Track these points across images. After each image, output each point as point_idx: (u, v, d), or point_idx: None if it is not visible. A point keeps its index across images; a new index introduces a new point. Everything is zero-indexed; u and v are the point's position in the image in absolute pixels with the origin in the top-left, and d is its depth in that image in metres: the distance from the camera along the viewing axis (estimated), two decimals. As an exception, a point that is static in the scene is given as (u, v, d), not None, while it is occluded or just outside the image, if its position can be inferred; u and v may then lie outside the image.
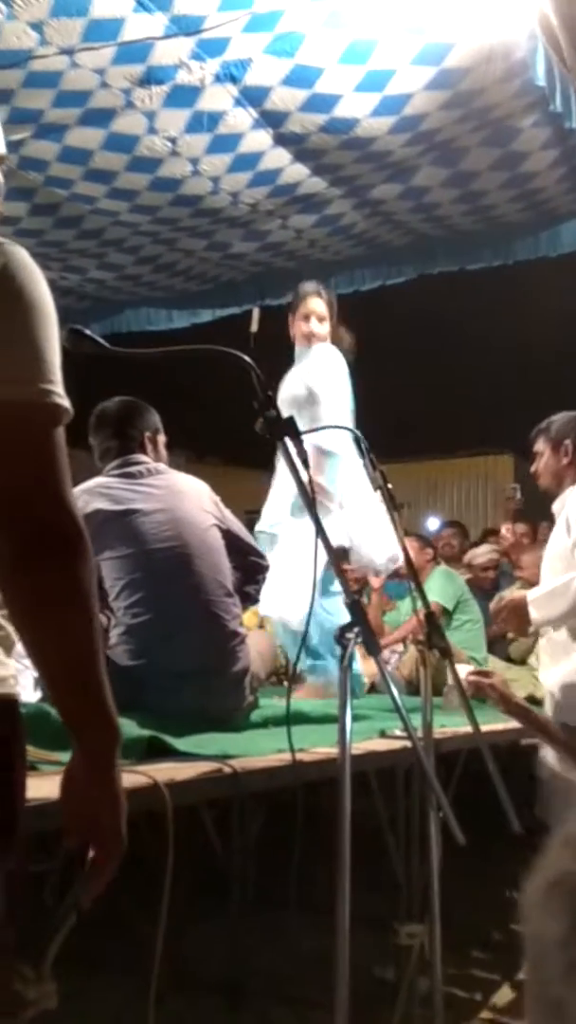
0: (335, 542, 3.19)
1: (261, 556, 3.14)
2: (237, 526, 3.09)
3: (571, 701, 2.84)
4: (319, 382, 3.85)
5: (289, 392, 3.90)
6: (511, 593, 3.81)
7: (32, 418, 1.10)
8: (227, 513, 3.07)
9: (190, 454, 10.93)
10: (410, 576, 2.51)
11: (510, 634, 4.64)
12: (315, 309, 4.07)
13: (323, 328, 4.05)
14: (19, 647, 2.58)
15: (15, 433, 1.08)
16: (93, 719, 1.17)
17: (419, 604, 2.35)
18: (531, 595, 2.98)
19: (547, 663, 3.04)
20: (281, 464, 3.84)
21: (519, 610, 2.96)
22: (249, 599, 3.15)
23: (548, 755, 2.87)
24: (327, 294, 4.18)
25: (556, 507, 3.15)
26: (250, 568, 3.05)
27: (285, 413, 1.77)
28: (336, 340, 4.07)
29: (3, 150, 1.36)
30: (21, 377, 1.09)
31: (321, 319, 4.06)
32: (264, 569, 3.15)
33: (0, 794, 1.12)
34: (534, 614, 2.93)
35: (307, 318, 4.06)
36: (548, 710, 2.89)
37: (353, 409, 3.98)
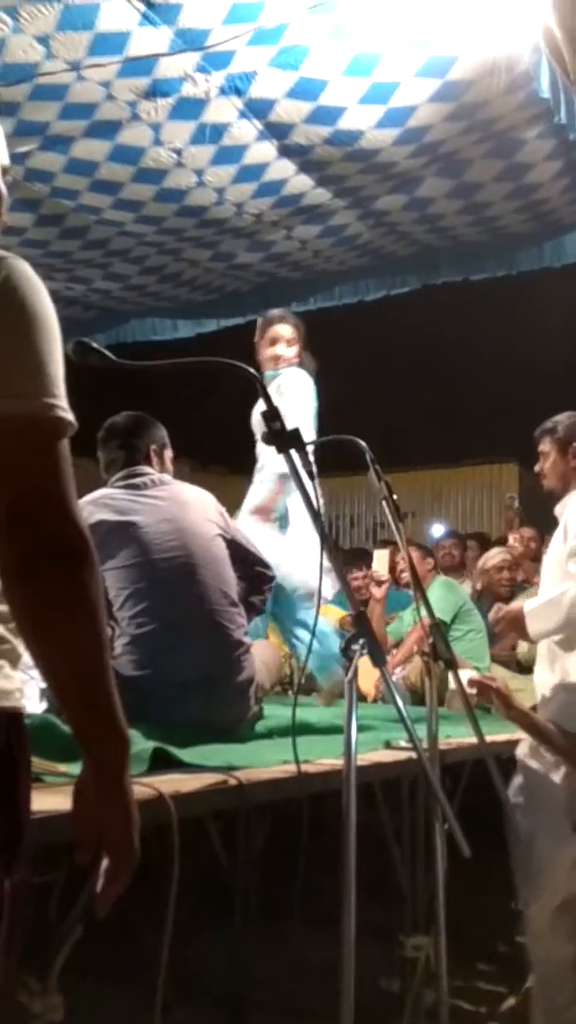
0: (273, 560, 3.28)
1: (267, 566, 3.15)
2: (242, 536, 3.09)
3: (562, 703, 2.85)
4: (289, 404, 3.90)
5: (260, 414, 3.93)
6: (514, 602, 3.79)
7: (36, 432, 1.10)
8: (232, 523, 3.07)
9: (195, 463, 10.96)
10: (414, 586, 2.51)
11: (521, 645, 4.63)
12: (282, 333, 4.17)
13: (290, 351, 4.14)
14: (25, 658, 2.59)
15: (20, 446, 1.09)
16: (103, 731, 1.17)
17: (423, 614, 2.35)
18: (528, 606, 2.98)
19: (544, 668, 3.04)
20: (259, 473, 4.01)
21: (516, 621, 2.96)
22: (254, 609, 3.15)
23: (528, 760, 2.87)
24: (293, 319, 4.28)
25: (558, 510, 3.15)
26: (255, 578, 3.05)
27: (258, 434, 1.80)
28: (303, 364, 4.12)
29: (6, 161, 1.37)
30: (24, 391, 1.10)
31: (289, 343, 4.15)
32: (270, 579, 3.15)
33: (5, 807, 1.12)
34: (531, 626, 2.94)
35: (274, 342, 4.16)
36: (540, 711, 2.89)
37: (316, 428, 4.06)
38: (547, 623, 2.91)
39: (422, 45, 3.57)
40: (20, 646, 1.20)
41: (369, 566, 5.36)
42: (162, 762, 2.03)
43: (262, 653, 3.02)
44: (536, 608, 2.94)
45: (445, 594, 4.89)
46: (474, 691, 2.75)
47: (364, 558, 5.85)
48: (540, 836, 2.83)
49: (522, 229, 5.03)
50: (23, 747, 1.17)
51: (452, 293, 5.87)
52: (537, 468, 3.22)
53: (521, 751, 2.90)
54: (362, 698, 4.22)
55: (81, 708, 1.17)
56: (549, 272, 5.25)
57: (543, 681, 2.96)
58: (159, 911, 1.70)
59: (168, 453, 2.94)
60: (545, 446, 3.18)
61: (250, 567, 3.00)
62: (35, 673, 2.47)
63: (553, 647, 2.98)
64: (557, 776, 2.79)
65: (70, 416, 1.13)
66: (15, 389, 1.09)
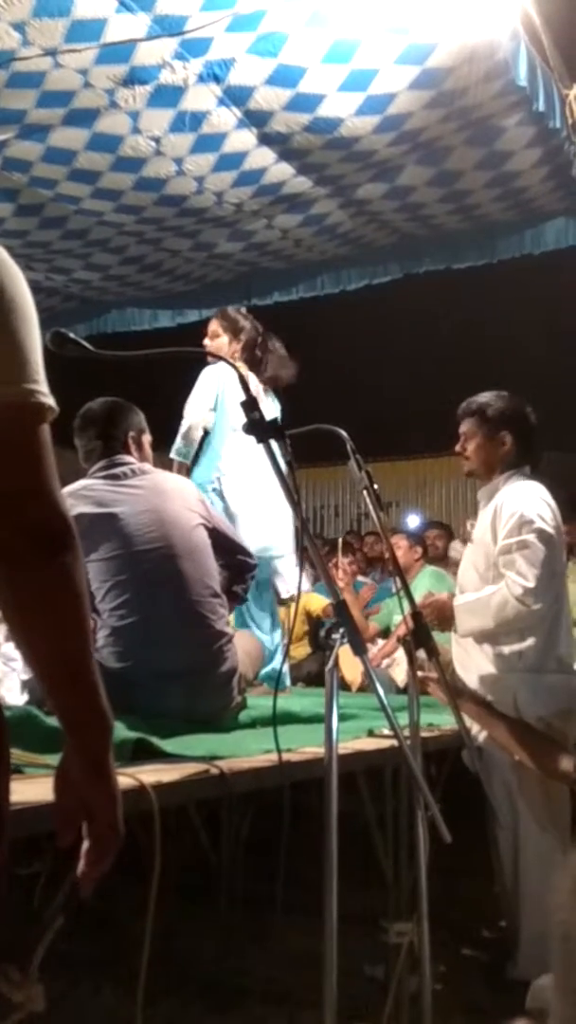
0: None
1: (249, 555, 3.14)
2: (224, 525, 3.09)
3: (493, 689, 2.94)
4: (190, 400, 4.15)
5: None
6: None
7: (18, 418, 1.10)
8: (214, 512, 3.06)
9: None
10: (396, 574, 2.51)
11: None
12: (209, 328, 4.36)
13: (212, 344, 4.24)
14: (5, 649, 2.57)
15: (1, 434, 1.09)
16: (88, 714, 1.17)
17: (407, 604, 2.36)
18: (458, 600, 3.01)
19: (461, 655, 3.09)
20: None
21: (444, 611, 3.01)
22: (237, 598, 3.15)
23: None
24: (222, 313, 4.40)
25: (483, 495, 3.14)
26: (238, 567, 3.05)
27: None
28: (239, 358, 4.19)
29: None
30: (4, 377, 1.09)
31: (211, 336, 4.29)
32: (252, 568, 3.15)
33: None
34: (462, 622, 2.98)
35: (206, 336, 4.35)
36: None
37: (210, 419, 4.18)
38: (472, 623, 2.95)
39: (401, 32, 3.56)
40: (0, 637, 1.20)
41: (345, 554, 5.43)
42: (144, 753, 2.03)
43: (245, 644, 3.03)
44: (464, 605, 2.97)
45: (434, 584, 4.89)
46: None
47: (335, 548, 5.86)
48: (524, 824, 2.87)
49: (503, 217, 5.03)
50: (2, 739, 1.16)
51: (436, 282, 5.87)
52: (459, 448, 3.16)
53: (480, 738, 2.94)
54: (346, 687, 4.23)
55: (66, 692, 1.17)
56: (531, 260, 5.26)
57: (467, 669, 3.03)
58: (142, 900, 1.70)
59: (147, 438, 2.91)
60: (469, 426, 3.12)
61: (232, 556, 3.00)
62: (16, 665, 2.48)
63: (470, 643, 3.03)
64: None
65: (51, 401, 1.13)
66: None
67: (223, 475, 4.05)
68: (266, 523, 3.99)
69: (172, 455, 4.19)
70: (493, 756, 2.91)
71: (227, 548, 2.96)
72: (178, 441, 4.20)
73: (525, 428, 3.11)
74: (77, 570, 1.13)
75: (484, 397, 3.15)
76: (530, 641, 2.93)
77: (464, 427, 3.15)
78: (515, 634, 2.93)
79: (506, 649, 2.95)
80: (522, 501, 2.95)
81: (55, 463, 1.13)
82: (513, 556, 2.87)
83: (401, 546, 5.29)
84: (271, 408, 4.42)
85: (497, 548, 2.93)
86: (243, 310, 4.54)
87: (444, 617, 3.01)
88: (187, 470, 4.21)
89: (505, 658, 2.95)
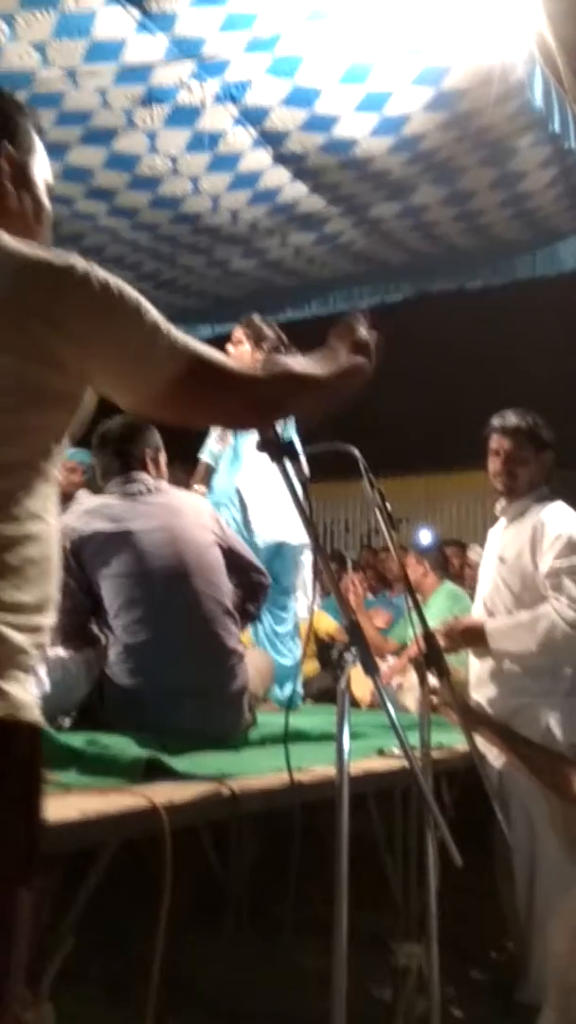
0: None
1: (263, 573, 3.14)
2: (238, 543, 3.08)
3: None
4: None
5: None
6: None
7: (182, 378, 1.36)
8: (228, 530, 3.07)
9: (190, 467, 10.94)
10: (408, 594, 2.51)
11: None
12: (233, 334, 4.37)
13: (234, 351, 4.25)
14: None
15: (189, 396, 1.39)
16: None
17: (417, 623, 2.35)
18: (493, 623, 2.96)
19: (481, 679, 3.06)
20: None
21: (474, 635, 2.96)
22: (250, 617, 3.15)
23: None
24: (247, 321, 4.37)
25: (509, 513, 3.10)
26: (251, 586, 3.05)
27: None
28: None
29: (50, 178, 1.44)
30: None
31: (236, 343, 4.30)
32: (266, 588, 3.15)
33: (26, 817, 1.15)
34: (497, 643, 2.93)
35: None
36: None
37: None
38: (516, 644, 2.89)
39: (416, 54, 3.59)
40: (34, 652, 1.22)
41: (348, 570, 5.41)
42: (155, 771, 2.03)
43: (256, 661, 3.03)
44: (505, 628, 2.92)
45: (449, 605, 4.77)
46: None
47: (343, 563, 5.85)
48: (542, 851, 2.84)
49: (515, 237, 5.05)
50: (41, 759, 1.19)
51: (447, 300, 5.88)
52: (504, 467, 3.09)
53: (498, 764, 2.91)
54: (356, 704, 4.22)
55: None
56: (544, 279, 5.27)
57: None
58: (152, 920, 1.70)
59: (162, 457, 2.93)
60: (516, 445, 3.06)
61: (246, 574, 3.00)
62: (17, 674, 2.48)
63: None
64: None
65: (194, 348, 1.41)
66: None
67: (243, 476, 4.07)
68: (286, 516, 4.00)
69: (202, 455, 4.21)
70: (513, 781, 2.88)
71: (241, 567, 2.96)
72: (210, 442, 4.22)
73: (555, 448, 3.13)
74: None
75: (524, 417, 3.10)
76: (568, 667, 2.89)
77: (508, 445, 3.08)
78: (549, 659, 2.89)
79: (540, 675, 2.90)
80: (567, 523, 2.93)
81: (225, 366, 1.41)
82: (562, 580, 2.83)
83: (409, 564, 5.26)
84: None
85: (543, 571, 2.89)
86: (269, 320, 4.54)
87: (478, 641, 2.96)
88: (211, 474, 4.23)
89: (539, 683, 2.91)
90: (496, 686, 3.00)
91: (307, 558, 4.21)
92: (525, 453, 3.07)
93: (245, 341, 4.30)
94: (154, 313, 1.31)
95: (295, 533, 4.04)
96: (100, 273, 1.25)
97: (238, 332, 4.35)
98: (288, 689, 3.97)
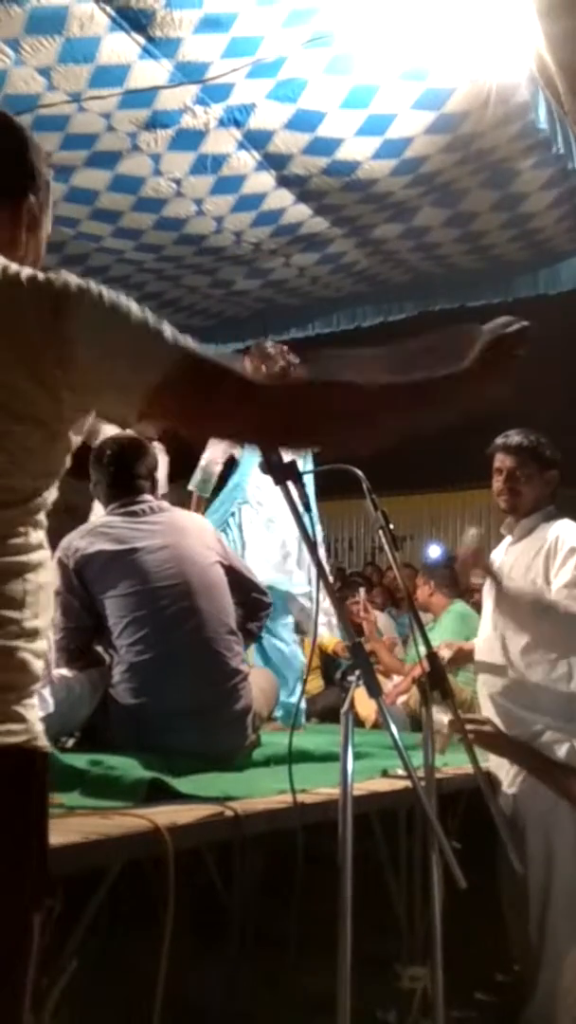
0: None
1: (264, 593, 3.15)
2: (240, 563, 3.10)
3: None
4: None
5: None
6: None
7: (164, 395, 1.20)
8: (230, 550, 3.08)
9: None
10: (410, 614, 2.52)
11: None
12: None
13: None
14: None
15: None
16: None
17: (421, 643, 2.36)
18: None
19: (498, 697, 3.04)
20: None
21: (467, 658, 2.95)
22: (251, 636, 3.16)
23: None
24: (256, 347, 4.35)
25: (517, 531, 3.07)
26: (253, 605, 3.06)
27: None
28: None
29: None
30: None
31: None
32: (267, 606, 3.16)
33: (36, 840, 1.16)
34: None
35: None
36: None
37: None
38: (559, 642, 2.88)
39: (419, 78, 3.62)
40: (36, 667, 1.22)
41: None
42: (158, 793, 2.03)
43: (260, 681, 3.02)
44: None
45: (458, 627, 4.72)
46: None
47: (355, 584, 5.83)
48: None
49: (517, 257, 5.08)
50: (47, 783, 1.20)
51: (449, 319, 5.90)
52: (506, 485, 3.08)
53: (512, 789, 2.89)
54: (360, 723, 4.21)
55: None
56: (546, 299, 5.29)
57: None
58: (155, 942, 1.70)
59: (160, 475, 2.94)
60: (520, 463, 3.05)
61: (247, 593, 3.01)
62: (33, 700, 2.48)
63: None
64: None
65: (195, 350, 1.24)
66: None
67: (244, 504, 4.08)
68: (278, 559, 4.02)
69: (190, 487, 4.21)
70: (529, 806, 2.86)
71: (242, 586, 2.97)
72: (197, 474, 4.21)
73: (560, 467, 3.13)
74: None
75: (528, 435, 3.10)
76: None
77: (510, 463, 3.07)
78: (563, 681, 2.85)
79: (557, 683, 2.87)
80: None
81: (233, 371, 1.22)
82: None
83: (418, 583, 5.24)
84: None
85: (559, 584, 2.85)
86: (278, 343, 4.51)
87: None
88: (205, 504, 4.23)
89: (556, 699, 2.87)
90: (512, 703, 2.97)
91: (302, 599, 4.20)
92: (528, 471, 3.06)
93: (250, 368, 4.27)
94: (142, 315, 1.22)
95: (285, 579, 4.07)
96: (92, 287, 1.21)
97: (248, 360, 4.27)
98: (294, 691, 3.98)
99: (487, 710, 3.03)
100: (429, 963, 2.28)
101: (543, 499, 3.08)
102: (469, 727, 2.67)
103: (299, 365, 4.32)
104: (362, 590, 5.77)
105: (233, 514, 4.12)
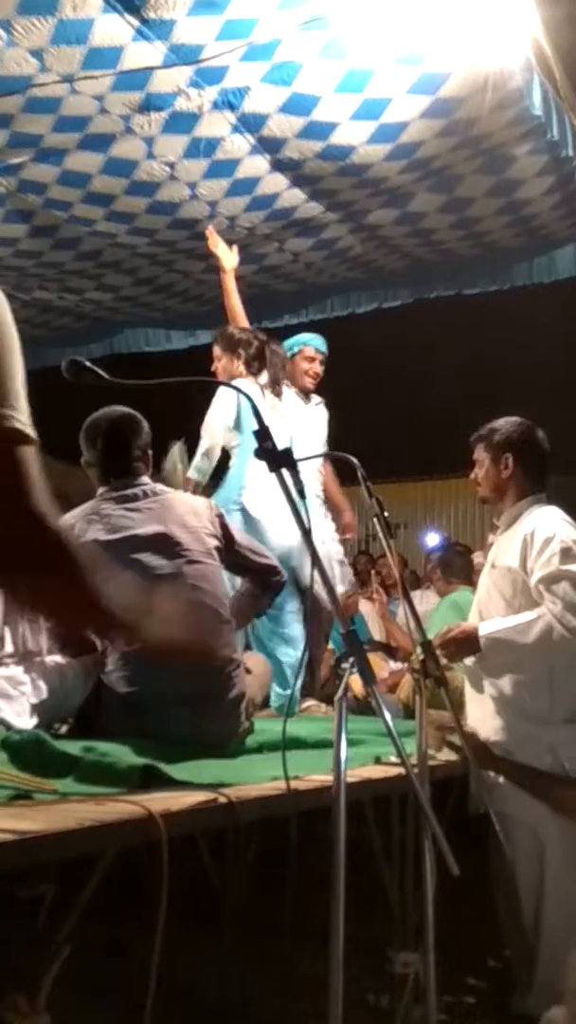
0: None
1: (276, 572, 3.09)
2: (244, 539, 3.03)
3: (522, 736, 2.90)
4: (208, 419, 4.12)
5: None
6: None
7: None
8: (234, 527, 3.01)
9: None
10: (404, 602, 2.52)
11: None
12: (213, 351, 4.31)
13: (218, 366, 4.24)
14: (12, 672, 2.56)
15: None
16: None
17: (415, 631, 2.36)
18: (487, 628, 2.91)
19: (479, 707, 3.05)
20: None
21: (468, 643, 2.92)
22: (263, 604, 3.17)
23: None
24: (219, 335, 4.34)
25: (504, 520, 3.10)
26: (262, 570, 3.03)
27: None
28: (232, 377, 4.16)
29: None
30: None
31: (216, 359, 4.26)
32: (280, 584, 3.12)
33: None
34: (488, 648, 2.89)
35: None
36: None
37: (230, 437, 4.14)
38: (509, 651, 2.86)
39: (414, 62, 3.60)
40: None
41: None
42: (152, 779, 2.03)
43: (253, 667, 3.02)
44: (499, 631, 2.87)
45: (454, 616, 4.70)
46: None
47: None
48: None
49: (513, 244, 5.07)
50: None
51: (445, 306, 5.89)
52: (472, 476, 3.20)
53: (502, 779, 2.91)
54: (359, 699, 4.18)
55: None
56: (541, 287, 5.28)
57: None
58: (149, 927, 1.70)
59: (149, 452, 2.87)
60: (479, 454, 3.13)
61: (253, 560, 2.98)
62: (25, 688, 2.48)
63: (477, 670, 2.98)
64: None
65: (29, 430, 1.10)
66: None
67: (246, 489, 4.05)
68: (291, 529, 3.98)
69: (190, 474, 4.17)
70: (516, 798, 2.87)
71: (247, 553, 2.96)
72: (197, 459, 4.16)
73: (531, 452, 3.09)
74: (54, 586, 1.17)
75: (495, 423, 3.15)
76: (564, 681, 2.89)
77: (476, 454, 3.16)
78: (545, 668, 2.88)
79: (538, 690, 2.90)
80: (556, 527, 2.90)
81: (39, 485, 1.11)
82: (555, 583, 2.81)
83: (433, 575, 5.23)
84: (317, 416, 4.47)
85: (535, 576, 2.86)
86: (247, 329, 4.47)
87: (472, 647, 2.94)
88: (204, 489, 4.19)
89: (537, 703, 2.89)
90: (494, 713, 2.97)
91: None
92: (480, 457, 3.14)
93: (221, 356, 4.25)
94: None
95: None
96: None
97: (215, 348, 4.29)
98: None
99: (472, 718, 3.04)
100: (421, 948, 2.29)
101: (505, 485, 3.08)
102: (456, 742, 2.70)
103: (270, 340, 4.31)
104: (375, 577, 5.80)
105: (238, 500, 4.08)
